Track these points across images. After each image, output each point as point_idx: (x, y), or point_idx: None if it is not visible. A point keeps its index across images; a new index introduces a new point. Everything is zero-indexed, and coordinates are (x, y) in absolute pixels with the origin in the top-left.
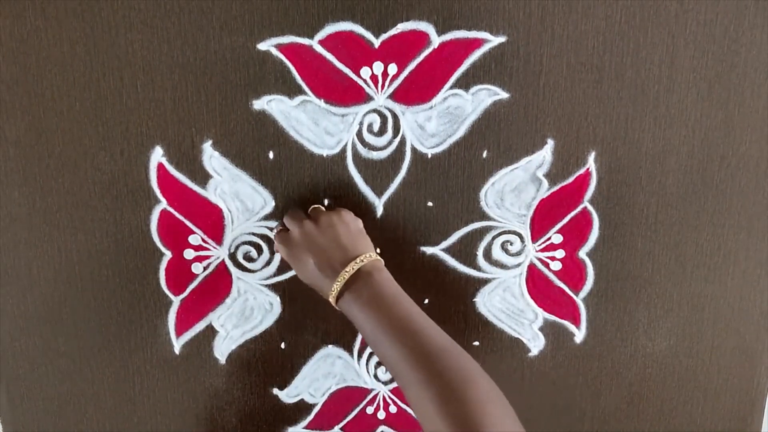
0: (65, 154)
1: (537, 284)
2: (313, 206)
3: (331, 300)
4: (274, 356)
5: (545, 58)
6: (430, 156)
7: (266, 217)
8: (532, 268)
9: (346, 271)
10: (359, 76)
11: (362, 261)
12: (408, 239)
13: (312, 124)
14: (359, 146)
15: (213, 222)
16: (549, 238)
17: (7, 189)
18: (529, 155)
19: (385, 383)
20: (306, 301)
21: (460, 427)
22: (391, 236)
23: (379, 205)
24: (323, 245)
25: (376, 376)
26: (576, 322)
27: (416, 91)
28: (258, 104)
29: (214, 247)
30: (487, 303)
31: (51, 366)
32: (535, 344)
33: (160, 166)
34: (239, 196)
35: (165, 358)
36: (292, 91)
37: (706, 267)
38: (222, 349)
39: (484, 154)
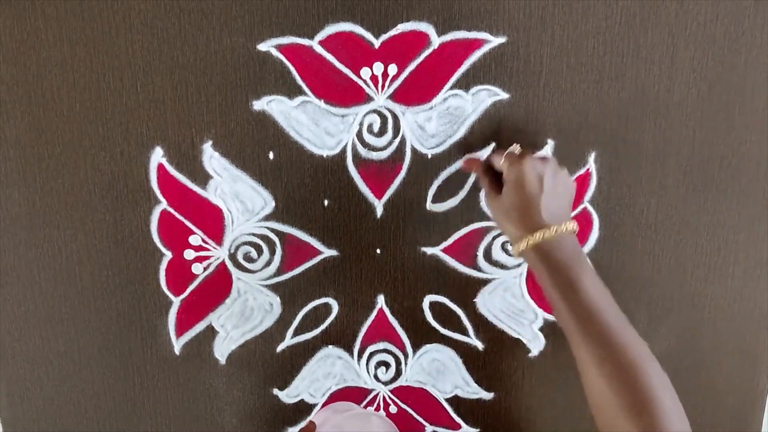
0: (65, 154)
1: (537, 284)
2: (542, 155)
3: (515, 248)
4: (274, 356)
5: (545, 59)
6: (430, 156)
7: (266, 218)
8: None
9: (555, 229)
10: (359, 76)
11: (566, 228)
12: (408, 239)
13: (312, 124)
14: (359, 147)
15: (213, 222)
16: None
17: (7, 189)
18: None
19: (385, 383)
20: (305, 301)
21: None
22: (391, 236)
23: (379, 205)
24: (551, 193)
25: (376, 377)
26: None
27: (416, 91)
28: (258, 105)
29: (214, 248)
30: (487, 303)
31: (51, 366)
32: (535, 344)
33: (160, 167)
34: (239, 197)
35: (165, 358)
36: (292, 91)
37: (706, 267)
38: (222, 350)
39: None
